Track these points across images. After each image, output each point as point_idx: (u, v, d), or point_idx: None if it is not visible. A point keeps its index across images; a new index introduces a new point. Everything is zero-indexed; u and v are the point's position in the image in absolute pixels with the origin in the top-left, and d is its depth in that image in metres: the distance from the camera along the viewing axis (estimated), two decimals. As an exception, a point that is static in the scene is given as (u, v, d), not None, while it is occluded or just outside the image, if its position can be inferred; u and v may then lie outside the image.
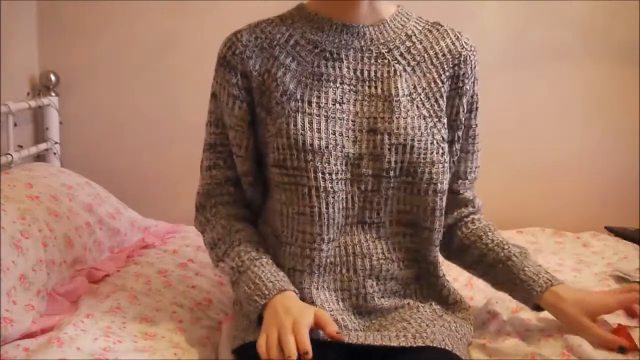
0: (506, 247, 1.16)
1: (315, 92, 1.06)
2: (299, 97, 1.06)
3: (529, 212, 2.12)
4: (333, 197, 1.05)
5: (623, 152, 2.12)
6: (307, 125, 1.04)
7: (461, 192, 1.18)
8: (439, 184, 1.07)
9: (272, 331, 0.92)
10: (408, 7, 1.18)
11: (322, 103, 1.05)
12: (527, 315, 1.32)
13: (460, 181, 1.17)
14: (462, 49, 1.11)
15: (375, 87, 1.07)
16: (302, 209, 1.04)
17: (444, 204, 1.10)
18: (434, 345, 1.01)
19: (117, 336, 1.13)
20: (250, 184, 1.13)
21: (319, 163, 1.03)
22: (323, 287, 1.06)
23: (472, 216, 1.21)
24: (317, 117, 1.04)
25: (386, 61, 1.09)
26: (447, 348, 1.02)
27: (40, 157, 2.00)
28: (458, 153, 1.15)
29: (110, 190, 1.82)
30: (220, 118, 1.11)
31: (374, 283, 1.08)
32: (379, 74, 1.08)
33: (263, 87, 1.07)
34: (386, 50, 1.09)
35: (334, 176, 1.04)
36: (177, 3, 2.03)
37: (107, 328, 1.16)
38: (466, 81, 1.11)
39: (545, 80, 2.10)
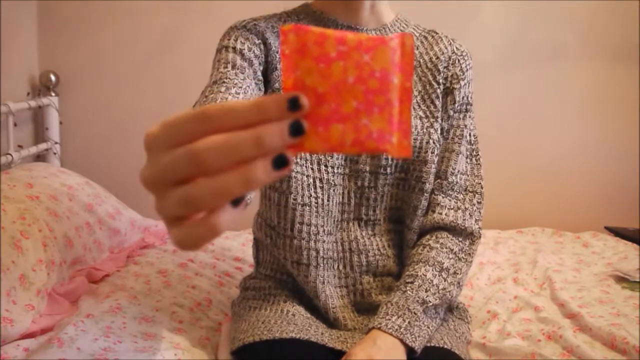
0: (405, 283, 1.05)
1: None
2: None
3: (529, 212, 2.12)
4: (333, 190, 1.06)
5: (623, 152, 2.12)
6: None
7: (435, 192, 1.10)
8: (427, 184, 1.08)
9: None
10: (411, 7, 1.19)
11: None
12: (527, 315, 1.33)
13: (437, 181, 1.10)
14: (453, 53, 1.12)
15: None
16: (306, 199, 1.04)
17: (426, 204, 1.10)
18: (433, 344, 1.01)
19: (117, 336, 1.13)
20: None
21: (322, 155, 1.04)
22: (328, 281, 1.07)
23: (429, 240, 1.09)
24: None
25: None
26: (446, 347, 1.02)
27: (40, 157, 2.00)
28: (440, 146, 1.12)
29: (110, 190, 1.83)
30: (232, 60, 0.99)
31: (371, 279, 1.09)
32: None
33: (279, 65, 1.06)
34: None
35: (335, 170, 1.05)
36: (176, 3, 2.03)
37: (107, 328, 1.16)
38: (454, 82, 1.11)
39: (545, 80, 2.10)
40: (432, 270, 1.04)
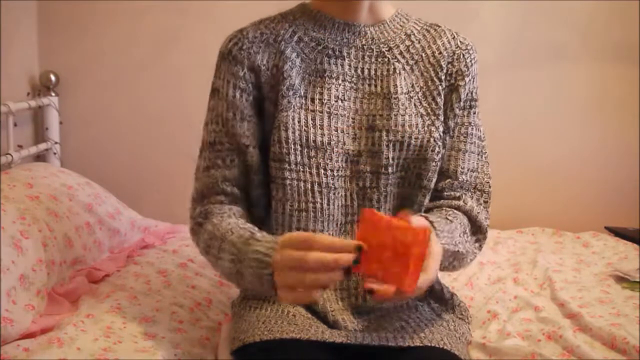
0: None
1: (318, 88, 1.06)
2: (302, 93, 1.06)
3: (529, 212, 2.12)
4: (334, 194, 1.05)
5: (623, 152, 2.12)
6: (310, 121, 1.04)
7: (446, 191, 1.10)
8: (425, 181, 1.07)
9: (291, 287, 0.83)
10: (410, 7, 1.19)
11: (324, 100, 1.06)
12: (527, 315, 1.33)
13: (448, 180, 1.10)
14: (457, 47, 1.11)
15: (375, 85, 1.08)
16: (303, 205, 1.04)
17: (426, 201, 1.10)
18: (433, 345, 1.01)
19: (117, 336, 1.13)
20: (260, 181, 1.09)
21: (321, 159, 1.04)
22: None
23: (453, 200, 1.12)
24: (320, 114, 1.05)
25: (386, 60, 1.09)
26: (445, 347, 1.02)
27: (40, 157, 2.00)
28: (446, 146, 1.11)
29: (110, 190, 1.83)
30: (221, 114, 1.08)
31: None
32: (378, 72, 1.09)
33: (272, 81, 1.06)
34: (386, 49, 1.10)
35: (335, 173, 1.05)
36: (176, 3, 2.03)
37: (107, 328, 1.16)
38: (459, 78, 1.10)
39: (545, 80, 2.10)
40: (460, 226, 1.06)
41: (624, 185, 2.13)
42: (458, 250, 1.03)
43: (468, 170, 1.11)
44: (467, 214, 1.09)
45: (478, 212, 1.10)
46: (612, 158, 2.13)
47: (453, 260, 1.04)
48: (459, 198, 1.10)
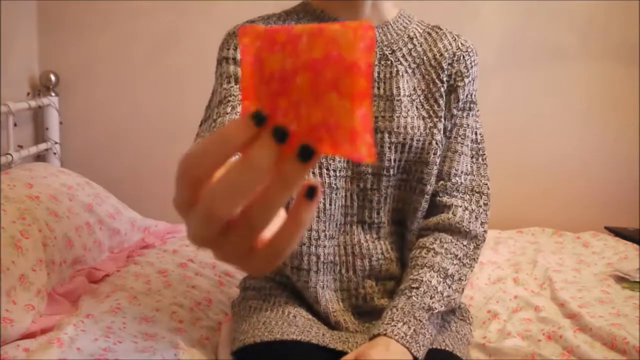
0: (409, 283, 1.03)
1: None
2: None
3: (529, 212, 2.12)
4: (335, 194, 1.05)
5: (623, 152, 2.12)
6: None
7: (440, 195, 1.09)
8: (428, 185, 1.07)
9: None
10: (411, 6, 1.19)
11: None
12: (527, 315, 1.33)
13: (440, 182, 1.09)
14: (457, 49, 1.11)
15: (378, 88, 1.08)
16: None
17: (426, 206, 1.09)
18: (435, 346, 1.01)
19: (117, 336, 1.13)
20: None
21: (323, 159, 1.04)
22: (327, 286, 1.06)
23: (433, 244, 1.06)
24: None
25: (389, 62, 1.09)
26: (447, 349, 1.02)
27: (40, 157, 2.00)
28: (442, 146, 1.10)
29: (110, 190, 1.83)
30: (232, 75, 1.00)
31: (373, 283, 1.08)
32: (382, 75, 1.08)
33: None
34: (389, 52, 1.10)
35: (337, 173, 1.05)
36: (176, 3, 2.03)
37: (107, 328, 1.16)
38: (458, 79, 1.10)
39: (544, 81, 2.10)
40: (437, 276, 1.02)
41: (624, 185, 2.13)
42: (427, 330, 0.98)
43: (462, 172, 1.10)
44: (456, 226, 1.07)
45: (470, 222, 1.08)
46: (612, 158, 2.13)
47: (439, 317, 1.02)
48: (449, 207, 1.08)
